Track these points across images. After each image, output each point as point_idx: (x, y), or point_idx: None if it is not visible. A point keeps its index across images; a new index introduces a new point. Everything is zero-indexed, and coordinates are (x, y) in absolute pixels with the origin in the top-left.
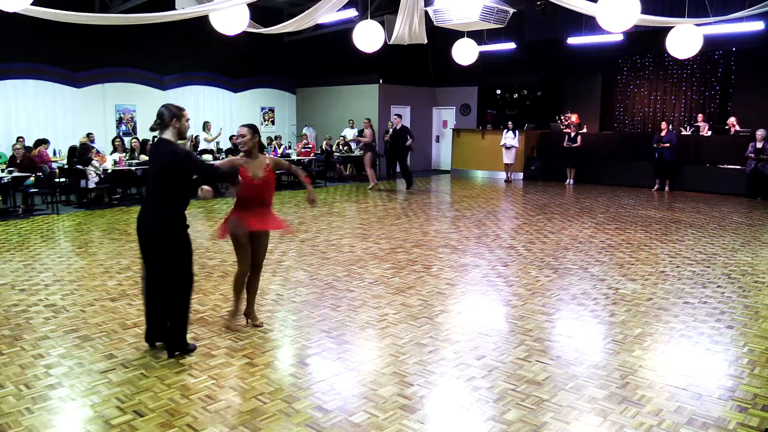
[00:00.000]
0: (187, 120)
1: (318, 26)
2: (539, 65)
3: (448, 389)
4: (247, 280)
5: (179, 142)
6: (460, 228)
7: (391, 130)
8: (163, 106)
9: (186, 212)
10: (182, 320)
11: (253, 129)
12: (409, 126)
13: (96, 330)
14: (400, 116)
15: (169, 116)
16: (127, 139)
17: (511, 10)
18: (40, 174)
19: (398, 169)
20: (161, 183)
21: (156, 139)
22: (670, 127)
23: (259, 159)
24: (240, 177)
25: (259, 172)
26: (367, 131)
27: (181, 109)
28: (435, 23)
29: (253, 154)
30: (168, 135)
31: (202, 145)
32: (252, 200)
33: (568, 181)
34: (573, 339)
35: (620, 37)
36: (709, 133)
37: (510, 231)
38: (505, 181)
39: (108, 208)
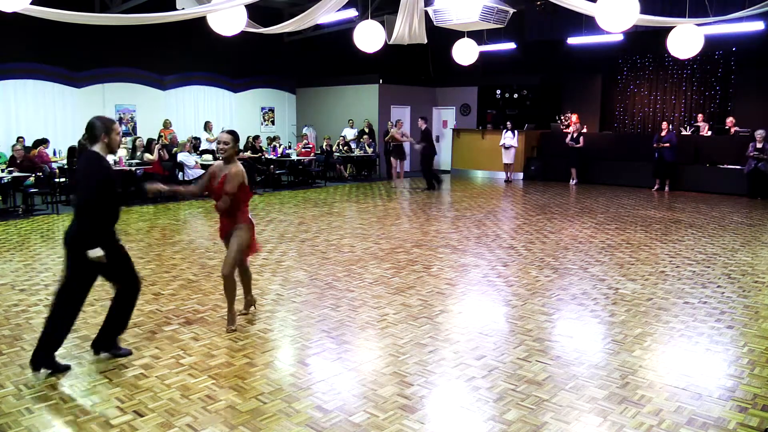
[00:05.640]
0: (118, 134)
1: (318, 26)
2: (539, 65)
3: (448, 389)
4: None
5: (185, 141)
6: (460, 228)
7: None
8: (96, 117)
9: (108, 223)
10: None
11: (235, 137)
12: (409, 128)
13: (96, 330)
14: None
15: (100, 130)
16: (128, 139)
17: (511, 10)
18: (40, 174)
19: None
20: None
21: (83, 148)
22: (670, 127)
23: (229, 166)
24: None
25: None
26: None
27: (112, 122)
28: (435, 23)
29: (230, 161)
30: (97, 148)
31: (204, 145)
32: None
33: (571, 181)
34: (573, 339)
35: (620, 37)
36: (709, 133)
37: (510, 231)
38: (505, 181)
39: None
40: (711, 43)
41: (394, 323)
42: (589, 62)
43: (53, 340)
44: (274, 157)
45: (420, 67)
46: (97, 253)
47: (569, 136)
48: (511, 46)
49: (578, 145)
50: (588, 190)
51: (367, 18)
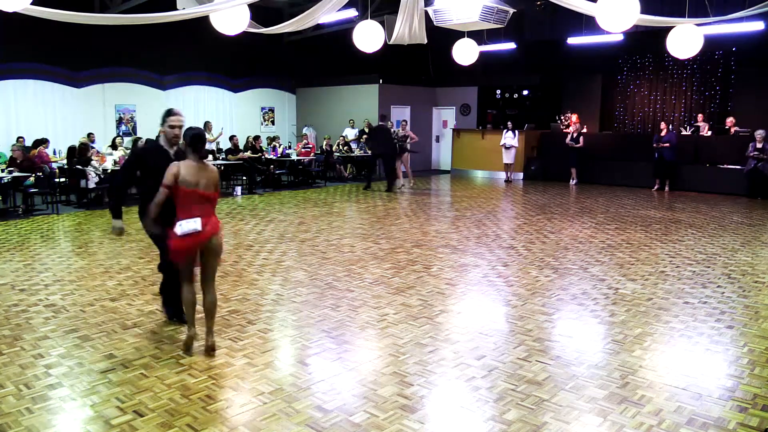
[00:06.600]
0: (172, 126)
1: (318, 26)
2: (539, 65)
3: (448, 389)
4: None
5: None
6: (460, 228)
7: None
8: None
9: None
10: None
11: None
12: (408, 126)
13: (96, 330)
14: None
15: (161, 121)
16: (128, 139)
17: (511, 10)
18: (40, 174)
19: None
20: None
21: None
22: (670, 127)
23: (204, 163)
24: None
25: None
26: (410, 132)
27: (168, 114)
28: (435, 23)
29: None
30: (160, 137)
31: None
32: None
33: (571, 181)
34: (573, 339)
35: (620, 37)
36: (709, 133)
37: (510, 231)
38: (505, 181)
39: (108, 208)
40: (711, 43)
41: (394, 323)
42: (589, 62)
43: (171, 302)
44: (274, 157)
45: (420, 67)
46: (117, 224)
47: (569, 136)
48: (511, 46)
49: (578, 145)
50: (588, 190)
51: (367, 18)
